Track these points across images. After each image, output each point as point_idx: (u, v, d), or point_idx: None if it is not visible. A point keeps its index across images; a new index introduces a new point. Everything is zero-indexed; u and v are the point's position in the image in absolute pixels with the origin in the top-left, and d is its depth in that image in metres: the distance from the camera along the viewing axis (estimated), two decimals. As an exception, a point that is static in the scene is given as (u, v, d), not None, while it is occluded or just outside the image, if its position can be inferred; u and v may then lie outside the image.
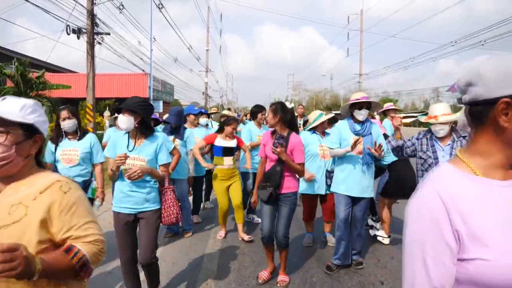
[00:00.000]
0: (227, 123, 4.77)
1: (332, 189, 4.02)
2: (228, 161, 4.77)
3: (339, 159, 3.91)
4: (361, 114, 3.74)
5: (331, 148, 3.87)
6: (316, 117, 4.53)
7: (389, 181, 4.66)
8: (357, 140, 3.50)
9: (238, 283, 3.61)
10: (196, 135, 5.43)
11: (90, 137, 3.81)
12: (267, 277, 3.61)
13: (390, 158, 4.19)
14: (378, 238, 4.73)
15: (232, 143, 4.78)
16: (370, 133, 3.75)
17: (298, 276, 3.75)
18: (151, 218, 2.99)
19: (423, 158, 3.44)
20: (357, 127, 3.79)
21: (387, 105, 6.84)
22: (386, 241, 4.65)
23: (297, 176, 3.60)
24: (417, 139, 3.54)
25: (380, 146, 3.54)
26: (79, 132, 3.76)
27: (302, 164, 3.46)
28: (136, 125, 2.89)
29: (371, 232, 4.89)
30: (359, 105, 3.73)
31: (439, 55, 39.69)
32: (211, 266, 4.04)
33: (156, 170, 2.99)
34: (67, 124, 3.63)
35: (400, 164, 4.41)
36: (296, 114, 7.75)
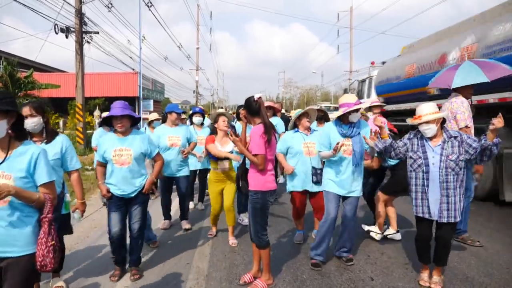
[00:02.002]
0: (216, 120, 4.66)
1: (322, 187, 4.06)
2: (222, 165, 4.58)
3: (329, 161, 3.95)
4: (357, 116, 3.82)
5: (320, 151, 3.97)
6: (294, 114, 4.63)
7: (392, 179, 4.69)
8: (339, 144, 3.58)
9: (229, 281, 3.61)
10: (175, 134, 5.19)
11: (62, 140, 3.26)
12: (248, 280, 3.56)
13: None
14: (371, 234, 4.75)
15: (228, 148, 4.55)
16: (359, 133, 3.80)
17: (289, 273, 3.77)
18: (16, 267, 2.05)
19: (412, 158, 3.39)
20: (345, 129, 3.83)
21: (373, 101, 6.80)
22: (378, 237, 4.68)
23: (261, 172, 3.34)
24: (409, 139, 3.48)
25: (376, 132, 3.56)
26: (45, 133, 3.21)
27: (260, 156, 3.26)
28: (9, 130, 2.13)
29: (364, 227, 4.89)
30: (356, 109, 3.75)
31: (429, 51, 39.95)
32: (201, 264, 4.03)
33: (26, 192, 2.07)
34: (30, 123, 3.06)
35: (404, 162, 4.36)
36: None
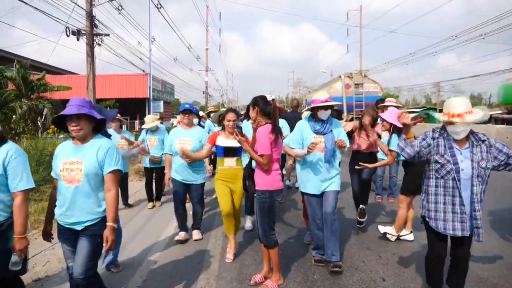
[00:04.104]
0: (223, 117, 4.22)
1: (301, 189, 4.11)
2: (228, 162, 4.23)
3: (302, 159, 3.96)
4: (327, 114, 3.84)
5: (292, 148, 3.96)
6: (306, 115, 4.62)
7: (411, 176, 4.42)
8: (312, 144, 3.59)
9: (239, 281, 3.62)
10: (186, 137, 4.76)
11: (7, 150, 2.48)
12: (259, 280, 3.56)
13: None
14: (387, 236, 4.62)
15: (235, 142, 4.02)
16: (331, 131, 3.83)
17: (299, 274, 3.75)
18: None
19: (439, 163, 2.81)
20: (317, 126, 3.86)
21: (388, 100, 6.77)
22: (394, 239, 4.59)
23: (268, 172, 3.34)
24: (433, 138, 2.89)
25: (342, 143, 3.75)
26: None
27: (266, 156, 3.25)
28: None
29: (381, 229, 4.77)
30: (326, 106, 3.78)
31: (440, 49, 39.65)
32: (212, 264, 4.04)
33: None
34: None
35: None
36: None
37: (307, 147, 3.65)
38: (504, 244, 4.48)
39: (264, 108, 3.40)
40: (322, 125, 3.86)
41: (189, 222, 5.08)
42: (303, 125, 3.98)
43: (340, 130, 3.95)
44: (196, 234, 4.91)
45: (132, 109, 26.79)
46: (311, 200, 3.96)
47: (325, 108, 3.79)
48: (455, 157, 2.76)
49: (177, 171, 4.78)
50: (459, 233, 2.78)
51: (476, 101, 66.00)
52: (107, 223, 2.57)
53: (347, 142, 3.91)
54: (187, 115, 4.88)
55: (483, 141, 2.79)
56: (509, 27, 17.56)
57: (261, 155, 3.29)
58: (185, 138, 4.77)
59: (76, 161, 2.56)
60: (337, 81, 17.07)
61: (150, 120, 6.55)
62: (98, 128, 2.71)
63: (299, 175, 4.18)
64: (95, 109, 2.68)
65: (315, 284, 3.54)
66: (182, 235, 4.85)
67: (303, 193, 4.60)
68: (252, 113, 3.48)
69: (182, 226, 4.91)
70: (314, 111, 3.87)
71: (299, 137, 3.93)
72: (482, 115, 2.70)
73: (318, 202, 3.95)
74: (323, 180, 3.86)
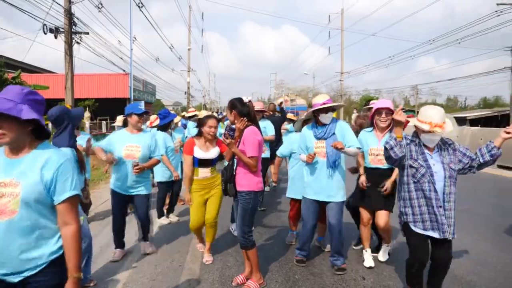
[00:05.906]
0: (203, 122, 3.99)
1: (303, 195, 4.05)
2: (203, 173, 4.03)
3: (306, 163, 3.96)
4: (327, 117, 3.76)
5: (299, 154, 4.02)
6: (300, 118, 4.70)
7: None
8: (309, 157, 3.65)
9: (221, 283, 3.61)
10: (135, 143, 4.11)
11: None
12: (241, 281, 3.57)
13: None
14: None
15: (211, 154, 4.00)
16: (334, 134, 3.74)
17: (281, 274, 3.78)
18: None
19: (414, 167, 2.93)
20: (318, 131, 3.80)
21: (373, 103, 6.80)
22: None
23: (253, 173, 3.37)
24: (407, 144, 3.03)
25: (337, 144, 3.47)
26: None
27: (254, 158, 3.29)
28: None
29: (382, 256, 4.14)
30: (326, 109, 3.73)
31: (418, 53, 40.79)
32: (194, 266, 4.02)
33: None
34: None
35: None
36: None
37: (313, 149, 3.75)
38: (478, 241, 4.62)
39: (242, 109, 3.40)
40: (322, 129, 3.77)
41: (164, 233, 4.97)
42: (306, 132, 3.95)
43: (346, 131, 3.76)
44: (148, 247, 4.36)
45: (112, 110, 26.35)
46: (309, 206, 3.89)
47: (326, 111, 3.72)
48: (428, 162, 2.91)
49: (117, 179, 4.16)
50: (440, 235, 2.85)
51: (452, 103, 67.88)
52: (70, 274, 1.76)
53: (356, 143, 3.69)
54: (143, 118, 4.24)
55: (449, 144, 2.99)
56: (482, 33, 18.26)
57: (250, 157, 3.30)
58: (133, 144, 4.11)
59: (10, 182, 1.72)
60: (280, 98, 26.77)
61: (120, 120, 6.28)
62: (43, 132, 1.84)
63: (292, 179, 4.21)
64: (37, 104, 1.80)
65: (296, 284, 3.57)
66: (117, 253, 4.24)
67: (293, 199, 4.58)
68: (230, 117, 3.48)
69: (118, 242, 4.31)
70: (316, 116, 3.80)
71: (304, 144, 3.92)
72: (451, 126, 2.90)
73: (315, 209, 3.88)
74: (325, 187, 3.75)
